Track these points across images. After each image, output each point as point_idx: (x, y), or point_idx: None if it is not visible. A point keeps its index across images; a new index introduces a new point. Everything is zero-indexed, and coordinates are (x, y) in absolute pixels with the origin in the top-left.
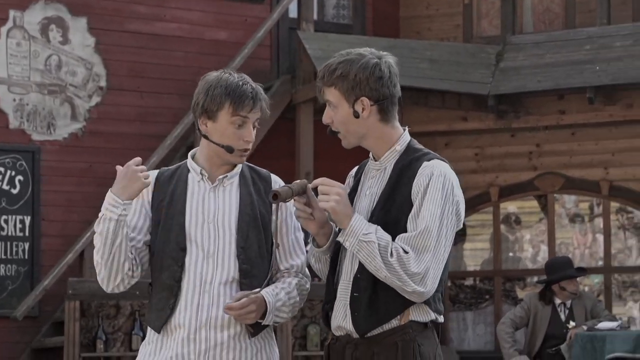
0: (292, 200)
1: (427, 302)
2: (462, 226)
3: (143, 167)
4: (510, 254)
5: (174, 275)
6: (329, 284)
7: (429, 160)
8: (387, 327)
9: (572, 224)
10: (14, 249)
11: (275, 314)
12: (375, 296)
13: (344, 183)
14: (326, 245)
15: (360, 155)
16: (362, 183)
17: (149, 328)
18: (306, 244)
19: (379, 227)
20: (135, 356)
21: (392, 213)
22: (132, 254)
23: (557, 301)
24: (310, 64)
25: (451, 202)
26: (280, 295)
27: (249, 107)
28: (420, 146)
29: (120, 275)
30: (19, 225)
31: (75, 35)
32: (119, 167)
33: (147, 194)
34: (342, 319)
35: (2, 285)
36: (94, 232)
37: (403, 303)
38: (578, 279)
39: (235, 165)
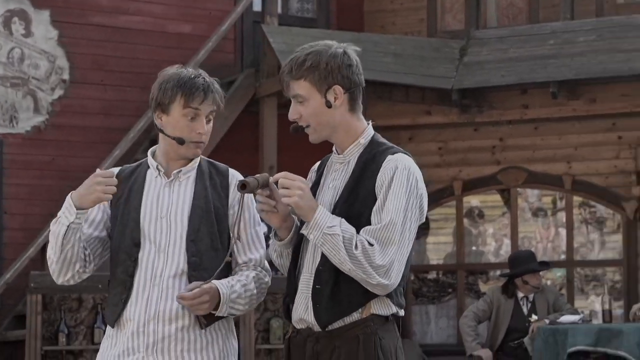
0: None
1: (389, 296)
2: (424, 220)
3: (113, 180)
4: (474, 248)
5: (127, 270)
6: (290, 277)
7: (393, 154)
8: (348, 320)
9: (535, 218)
10: None
11: (230, 306)
12: (338, 288)
13: (306, 178)
14: (288, 238)
15: (324, 150)
16: (325, 176)
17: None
18: (267, 238)
19: (344, 220)
20: (97, 349)
21: (355, 206)
22: (86, 250)
23: (520, 295)
24: (274, 57)
25: (415, 195)
26: (235, 287)
27: (200, 99)
28: (384, 140)
29: (71, 273)
30: None
31: (38, 28)
32: (98, 171)
33: None
34: (303, 312)
35: None
36: None
37: (365, 296)
38: (541, 272)
39: (191, 160)
